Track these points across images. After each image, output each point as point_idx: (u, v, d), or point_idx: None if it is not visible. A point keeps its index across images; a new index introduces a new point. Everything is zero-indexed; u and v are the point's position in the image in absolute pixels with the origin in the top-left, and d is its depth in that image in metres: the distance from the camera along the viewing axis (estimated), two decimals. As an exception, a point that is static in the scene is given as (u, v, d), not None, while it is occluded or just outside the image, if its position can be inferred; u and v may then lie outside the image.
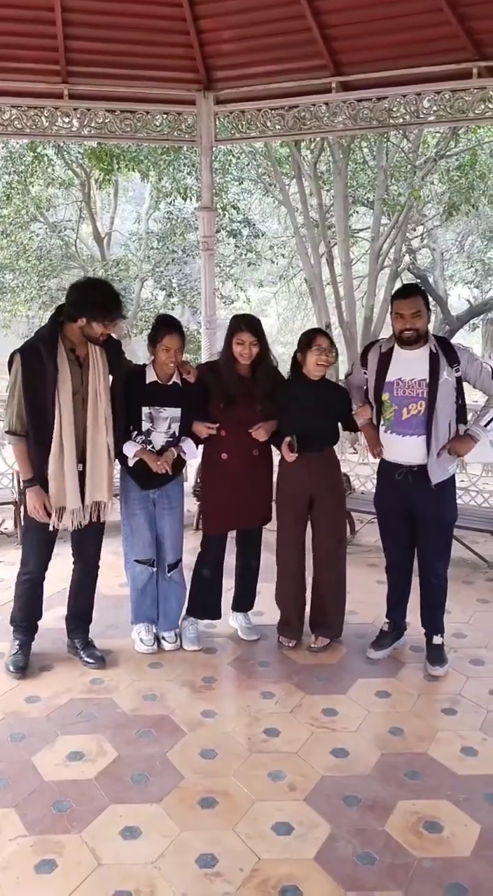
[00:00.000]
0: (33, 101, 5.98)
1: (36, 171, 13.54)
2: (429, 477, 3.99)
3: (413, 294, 4.00)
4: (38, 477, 3.87)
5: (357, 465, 6.96)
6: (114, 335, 3.98)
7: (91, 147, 11.89)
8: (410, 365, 4.00)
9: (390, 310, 4.09)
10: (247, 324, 4.19)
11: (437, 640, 4.31)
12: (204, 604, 4.54)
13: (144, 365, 4.25)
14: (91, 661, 4.24)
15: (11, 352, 3.86)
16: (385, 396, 4.06)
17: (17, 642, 4.22)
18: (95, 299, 3.80)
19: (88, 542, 4.18)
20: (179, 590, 4.47)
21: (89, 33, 5.77)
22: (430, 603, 4.29)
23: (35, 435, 3.84)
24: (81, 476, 3.91)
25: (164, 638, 4.47)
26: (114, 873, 2.78)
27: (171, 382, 4.18)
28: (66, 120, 6.09)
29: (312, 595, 4.50)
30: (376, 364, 4.12)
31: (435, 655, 4.28)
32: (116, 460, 4.15)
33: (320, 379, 4.24)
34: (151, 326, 4.21)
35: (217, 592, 4.55)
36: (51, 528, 3.94)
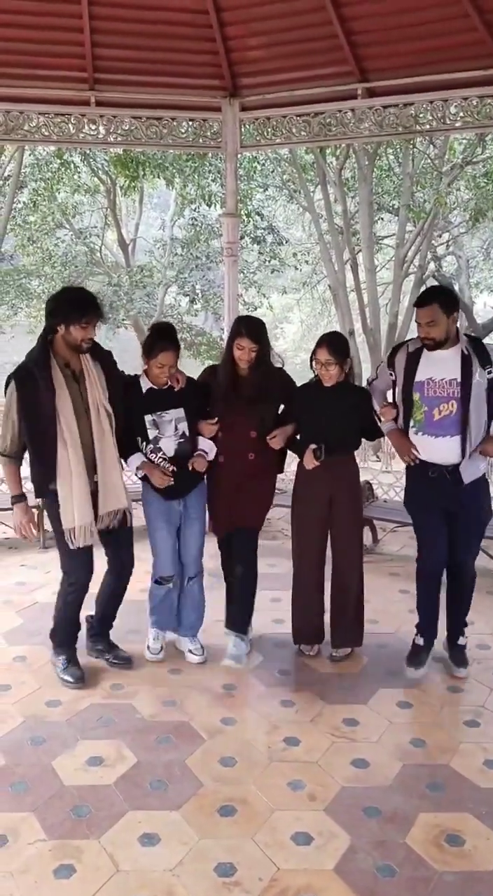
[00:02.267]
0: (60, 108, 6.02)
1: (62, 178, 13.66)
2: (461, 476, 3.95)
3: (429, 302, 3.89)
4: (41, 492, 3.92)
5: (380, 473, 6.91)
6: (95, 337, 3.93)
7: (117, 154, 11.97)
8: (441, 365, 3.92)
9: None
10: (247, 329, 4.14)
11: (462, 640, 4.29)
12: (241, 615, 4.47)
13: (136, 375, 4.21)
14: (119, 661, 4.28)
15: (7, 376, 3.86)
16: (416, 396, 3.98)
17: (63, 657, 4.20)
18: (67, 302, 3.78)
19: (120, 549, 4.17)
20: (197, 600, 4.43)
21: (116, 41, 5.80)
22: (462, 604, 4.26)
23: (38, 457, 3.85)
24: (94, 493, 3.92)
25: (190, 651, 4.41)
26: (132, 880, 2.77)
27: (167, 386, 4.15)
28: (93, 127, 6.13)
29: (332, 604, 4.46)
30: (405, 364, 4.04)
31: (461, 657, 4.26)
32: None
33: (341, 383, 4.20)
34: (147, 335, 4.18)
35: (252, 601, 4.50)
36: (72, 548, 3.94)
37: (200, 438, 4.22)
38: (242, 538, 4.39)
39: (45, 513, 4.17)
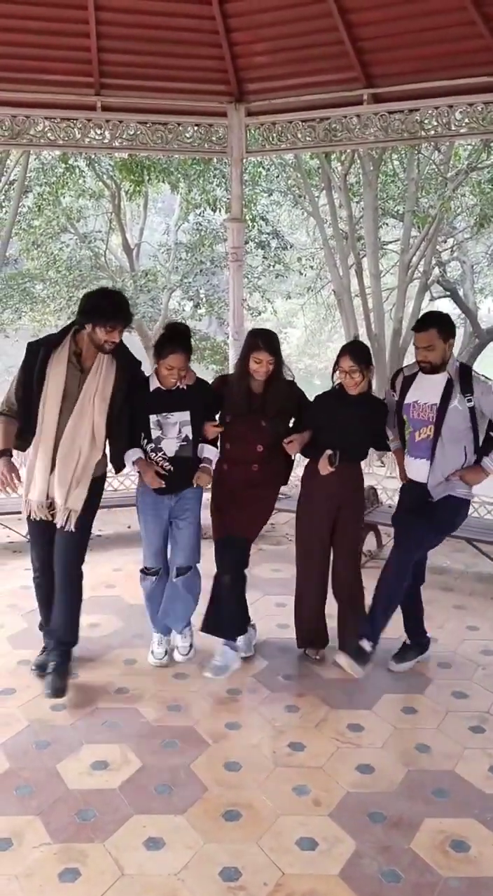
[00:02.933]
0: (66, 113, 6.04)
1: (67, 183, 13.68)
2: (431, 493, 4.03)
3: (428, 327, 3.95)
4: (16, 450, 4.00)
5: (384, 479, 6.92)
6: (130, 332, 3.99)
7: (122, 158, 12.00)
8: (426, 389, 4.03)
9: None
10: (265, 342, 4.15)
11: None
12: (229, 621, 4.32)
13: (148, 376, 4.23)
14: (48, 690, 3.98)
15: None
16: (405, 417, 4.12)
17: (43, 645, 4.26)
18: (99, 306, 3.85)
19: (61, 550, 4.02)
20: (184, 596, 4.30)
21: (123, 46, 5.83)
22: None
23: (23, 424, 3.95)
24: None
25: (176, 648, 4.41)
26: (137, 884, 2.76)
27: (175, 388, 4.15)
28: (99, 132, 6.14)
29: (338, 612, 4.45)
30: (401, 387, 4.17)
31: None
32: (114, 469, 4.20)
33: (364, 394, 4.22)
34: (159, 335, 4.17)
35: (243, 608, 4.39)
36: (32, 518, 3.98)
37: (205, 446, 4.24)
38: (232, 546, 4.32)
39: None
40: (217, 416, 4.31)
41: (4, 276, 15.47)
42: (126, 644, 4.51)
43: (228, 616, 4.28)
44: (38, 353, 3.92)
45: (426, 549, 4.21)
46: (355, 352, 4.17)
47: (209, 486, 4.26)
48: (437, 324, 3.96)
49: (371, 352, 4.35)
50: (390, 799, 3.26)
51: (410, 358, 13.77)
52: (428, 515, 4.05)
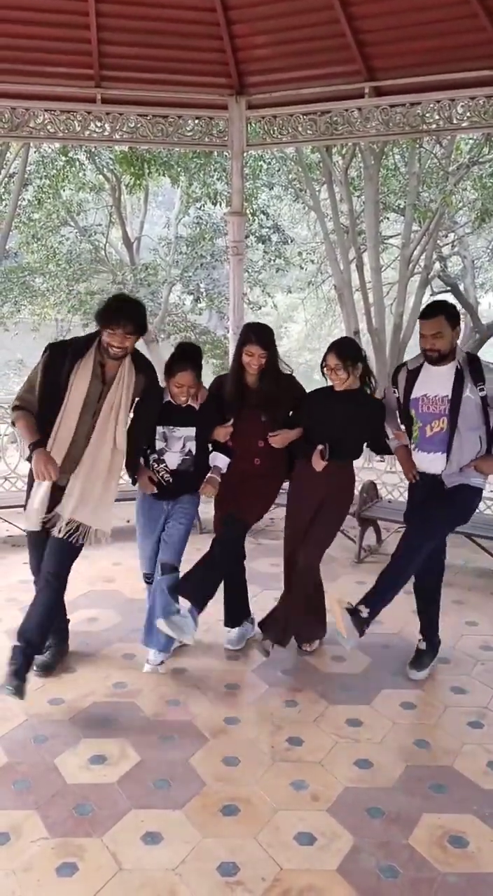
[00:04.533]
0: (66, 106, 6.03)
1: (67, 176, 13.67)
2: (444, 481, 3.97)
3: (436, 314, 3.91)
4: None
5: (384, 474, 6.90)
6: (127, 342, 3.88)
7: (122, 152, 11.98)
8: (435, 381, 3.96)
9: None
10: (257, 336, 4.15)
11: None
12: (198, 580, 4.16)
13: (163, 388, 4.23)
14: (8, 689, 3.66)
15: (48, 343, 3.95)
16: (412, 413, 4.05)
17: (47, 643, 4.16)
18: (101, 309, 3.84)
19: (53, 554, 3.91)
20: (165, 600, 4.06)
21: (123, 38, 5.81)
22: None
23: (39, 424, 3.85)
24: (61, 488, 3.83)
25: (147, 660, 4.29)
26: (135, 878, 2.76)
27: (186, 405, 4.14)
28: (99, 124, 6.13)
29: (281, 597, 4.38)
30: (405, 382, 4.10)
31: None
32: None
33: (354, 390, 4.17)
34: (172, 354, 4.15)
35: (215, 581, 4.27)
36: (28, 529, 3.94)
37: (217, 454, 4.24)
38: (231, 522, 4.28)
39: None
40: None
41: (4, 270, 15.46)
42: (124, 639, 4.50)
43: (199, 580, 4.14)
44: (65, 355, 3.82)
45: (440, 534, 4.13)
46: (340, 348, 4.12)
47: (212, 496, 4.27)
48: (444, 310, 3.93)
49: (362, 348, 4.28)
50: (388, 794, 3.26)
51: (410, 352, 13.76)
52: (442, 502, 4.00)
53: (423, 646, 4.34)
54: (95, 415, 3.84)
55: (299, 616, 4.32)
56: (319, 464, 4.10)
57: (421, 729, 3.76)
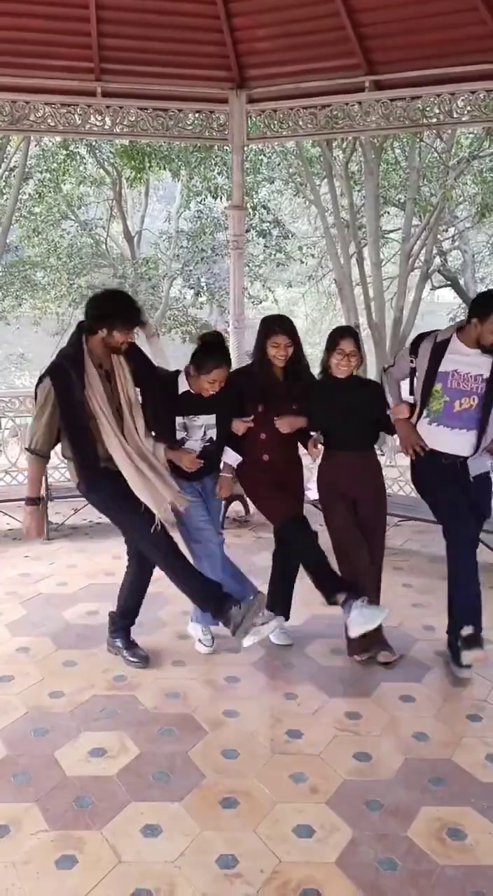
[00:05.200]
0: (66, 99, 6.01)
1: (68, 169, 13.65)
2: (468, 469, 3.99)
3: None
4: (88, 487, 3.89)
5: (384, 468, 6.88)
6: (138, 335, 3.96)
7: (123, 145, 11.95)
8: (470, 360, 3.95)
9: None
10: (281, 326, 4.16)
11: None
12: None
13: (176, 372, 4.20)
14: (135, 659, 4.20)
15: (40, 375, 3.84)
16: (438, 387, 3.99)
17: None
18: (116, 309, 3.80)
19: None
20: (217, 563, 4.20)
21: (123, 31, 5.80)
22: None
23: (80, 454, 3.82)
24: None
25: (199, 640, 4.40)
26: (134, 871, 2.77)
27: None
28: (99, 118, 6.12)
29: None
30: (430, 354, 4.02)
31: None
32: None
33: (348, 377, 4.18)
34: (198, 347, 4.09)
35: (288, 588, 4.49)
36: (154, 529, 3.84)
37: (229, 451, 4.24)
38: (303, 523, 4.23)
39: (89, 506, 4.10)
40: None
41: (5, 264, 15.44)
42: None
43: (323, 579, 4.14)
44: (68, 373, 3.74)
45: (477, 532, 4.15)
46: (354, 335, 4.17)
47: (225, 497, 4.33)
48: None
49: (362, 340, 4.33)
50: (387, 787, 3.26)
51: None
52: (480, 502, 4.05)
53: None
54: (117, 413, 3.85)
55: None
56: (313, 452, 4.14)
57: (420, 722, 3.77)
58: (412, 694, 4.01)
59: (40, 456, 3.87)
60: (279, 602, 4.49)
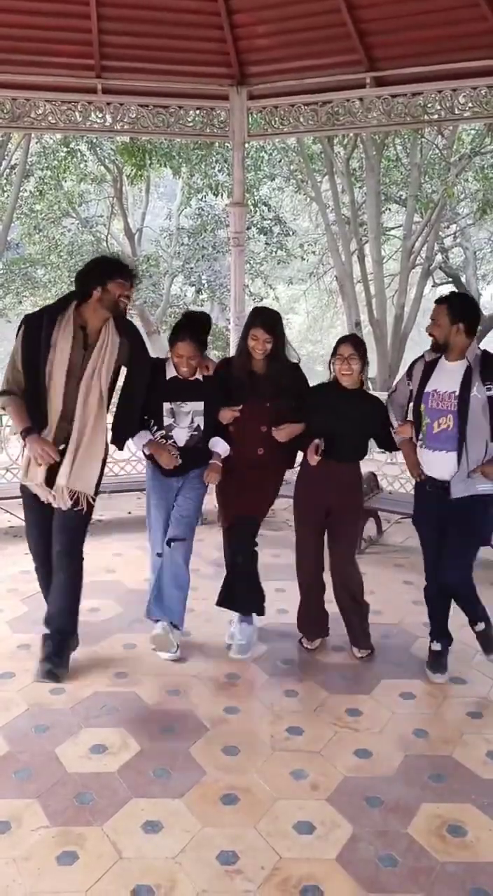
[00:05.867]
0: (67, 96, 6.01)
1: (69, 167, 13.64)
2: (450, 490, 3.85)
3: (441, 302, 3.91)
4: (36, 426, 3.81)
5: (385, 465, 6.91)
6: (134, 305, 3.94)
7: (123, 142, 11.95)
8: (445, 377, 3.88)
9: None
10: (262, 320, 4.14)
11: (479, 626, 4.13)
12: (241, 595, 4.40)
13: (164, 359, 4.21)
14: (38, 675, 3.98)
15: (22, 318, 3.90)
16: (422, 408, 3.96)
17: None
18: (104, 266, 3.80)
19: (60, 531, 3.94)
20: (176, 569, 4.19)
21: (123, 28, 5.79)
22: (466, 612, 4.12)
23: (32, 401, 3.80)
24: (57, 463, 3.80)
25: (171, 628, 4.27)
26: (135, 867, 2.77)
27: (192, 378, 4.14)
28: (100, 115, 6.12)
29: (341, 612, 4.39)
30: (420, 375, 4.02)
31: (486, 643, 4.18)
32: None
33: (356, 388, 4.16)
34: (175, 322, 4.17)
35: (255, 585, 4.43)
36: (29, 503, 3.91)
37: (217, 440, 4.22)
38: (242, 525, 4.34)
39: None
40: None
41: (6, 261, 15.44)
42: (126, 629, 4.51)
43: (241, 592, 4.37)
44: (42, 324, 3.75)
45: (468, 562, 4.04)
46: (354, 340, 4.19)
47: (177, 460, 4.20)
48: (448, 301, 3.90)
49: (366, 345, 4.30)
50: (387, 784, 3.27)
51: (411, 344, 13.74)
52: (464, 528, 3.92)
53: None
54: (77, 382, 3.78)
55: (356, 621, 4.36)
56: (313, 458, 4.06)
57: (421, 719, 3.77)
58: (412, 691, 4.02)
59: (14, 394, 3.84)
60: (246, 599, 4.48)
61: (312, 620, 4.44)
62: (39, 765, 3.33)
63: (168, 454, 4.09)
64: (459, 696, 3.98)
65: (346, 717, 3.77)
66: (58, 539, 3.95)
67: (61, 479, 3.81)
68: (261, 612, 4.47)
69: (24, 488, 3.99)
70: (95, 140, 13.13)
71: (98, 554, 5.67)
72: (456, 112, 5.63)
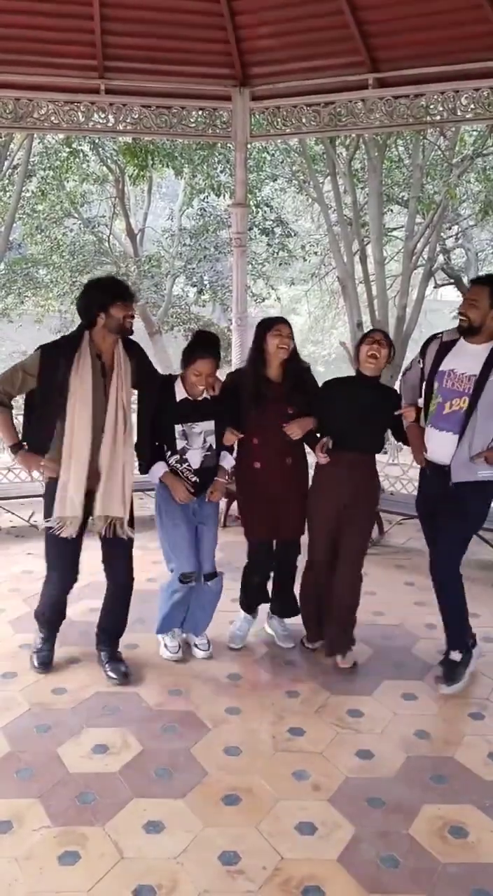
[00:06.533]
0: (70, 97, 6.02)
1: (71, 167, 13.63)
2: (450, 473, 3.83)
3: (482, 283, 3.81)
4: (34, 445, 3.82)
5: (387, 466, 6.90)
6: (133, 318, 3.87)
7: (126, 143, 11.95)
8: (466, 358, 3.82)
9: None
10: (280, 319, 4.13)
11: (453, 655, 4.09)
12: (249, 602, 4.51)
13: (172, 377, 4.12)
14: (113, 675, 4.06)
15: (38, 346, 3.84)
16: (435, 386, 3.90)
17: (41, 636, 4.22)
18: (103, 290, 3.78)
19: (115, 560, 4.04)
20: (214, 600, 4.30)
21: (126, 28, 5.79)
22: (444, 614, 4.10)
23: (36, 431, 3.79)
24: (91, 489, 3.81)
25: (196, 645, 4.35)
26: (136, 867, 2.78)
27: (201, 398, 4.06)
28: (102, 115, 6.12)
29: (327, 613, 4.34)
30: (434, 354, 3.96)
31: (448, 671, 4.08)
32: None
33: (375, 378, 4.09)
34: (188, 341, 4.07)
35: (264, 596, 4.50)
36: (67, 537, 3.82)
37: (225, 455, 4.18)
38: (287, 549, 4.36)
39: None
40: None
41: (8, 261, 15.43)
42: (127, 629, 4.50)
43: (254, 599, 4.51)
44: (60, 359, 3.71)
45: (461, 550, 4.03)
46: (384, 332, 4.13)
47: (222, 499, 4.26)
48: (491, 283, 3.80)
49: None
50: (389, 784, 3.27)
51: (413, 345, 13.71)
52: (456, 514, 3.90)
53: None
54: (104, 411, 3.77)
55: (341, 629, 4.29)
56: (322, 458, 4.04)
57: (422, 720, 3.78)
58: (414, 692, 4.02)
59: (4, 405, 3.81)
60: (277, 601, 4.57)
61: (315, 621, 4.42)
62: (41, 765, 3.34)
63: (183, 489, 4.03)
64: (460, 698, 3.98)
65: (347, 717, 3.77)
66: (115, 571, 4.08)
67: (98, 509, 3.83)
68: (297, 613, 4.53)
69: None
70: (97, 140, 13.12)
71: (98, 554, 5.67)
72: (458, 113, 5.62)
